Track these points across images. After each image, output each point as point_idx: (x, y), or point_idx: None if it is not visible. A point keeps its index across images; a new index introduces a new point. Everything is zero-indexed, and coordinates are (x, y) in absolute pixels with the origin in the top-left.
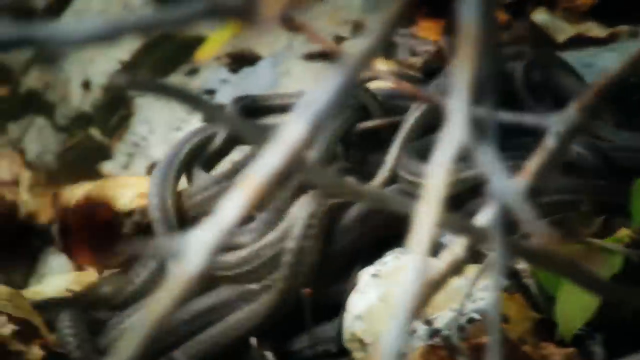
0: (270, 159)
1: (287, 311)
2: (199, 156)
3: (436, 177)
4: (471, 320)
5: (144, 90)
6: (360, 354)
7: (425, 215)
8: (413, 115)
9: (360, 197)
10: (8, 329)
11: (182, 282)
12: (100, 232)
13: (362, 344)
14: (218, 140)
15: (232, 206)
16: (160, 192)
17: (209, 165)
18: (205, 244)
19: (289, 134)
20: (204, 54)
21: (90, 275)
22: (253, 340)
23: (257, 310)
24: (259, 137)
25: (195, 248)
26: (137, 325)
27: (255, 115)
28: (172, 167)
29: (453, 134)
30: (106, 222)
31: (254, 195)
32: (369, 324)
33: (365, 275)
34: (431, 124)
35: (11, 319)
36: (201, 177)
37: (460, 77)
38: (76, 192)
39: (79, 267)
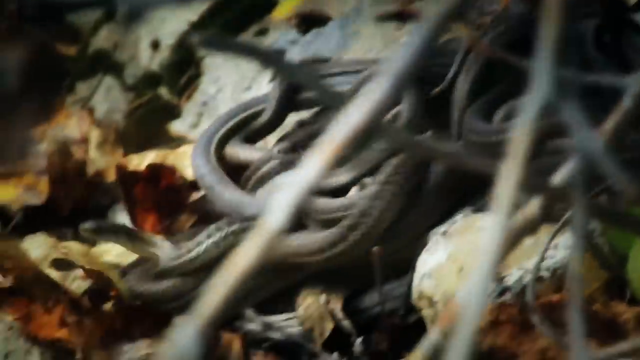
0: (351, 119)
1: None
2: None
3: (521, 135)
4: (540, 279)
5: (218, 48)
6: (428, 311)
7: (509, 172)
8: (469, 76)
9: (441, 157)
10: (83, 283)
11: (266, 239)
12: (165, 200)
13: (431, 302)
14: (265, 116)
15: (313, 165)
16: (205, 154)
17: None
18: (288, 201)
19: (371, 94)
20: (279, 13)
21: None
22: (322, 297)
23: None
24: (335, 98)
25: (278, 205)
26: (218, 281)
27: None
28: (216, 135)
29: (538, 92)
30: (171, 190)
31: (334, 155)
32: (437, 282)
33: (435, 234)
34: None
35: (86, 272)
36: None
37: (545, 37)
38: (143, 159)
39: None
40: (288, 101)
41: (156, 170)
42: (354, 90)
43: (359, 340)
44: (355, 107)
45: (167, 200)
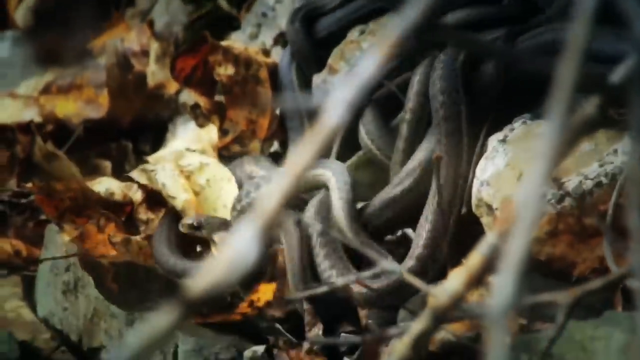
0: (405, 17)
1: None
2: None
3: (577, 31)
4: (599, 185)
5: None
6: (487, 218)
7: (566, 71)
8: None
9: (494, 53)
10: (138, 196)
11: (325, 135)
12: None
13: (490, 208)
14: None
15: (368, 63)
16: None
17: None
18: (345, 98)
19: None
20: None
21: (210, 131)
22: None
23: None
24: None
25: (335, 103)
26: (274, 184)
27: None
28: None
29: None
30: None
31: (389, 51)
32: (496, 189)
33: (493, 141)
34: None
35: (141, 187)
36: None
37: None
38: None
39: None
40: None
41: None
42: None
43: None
44: (409, 6)
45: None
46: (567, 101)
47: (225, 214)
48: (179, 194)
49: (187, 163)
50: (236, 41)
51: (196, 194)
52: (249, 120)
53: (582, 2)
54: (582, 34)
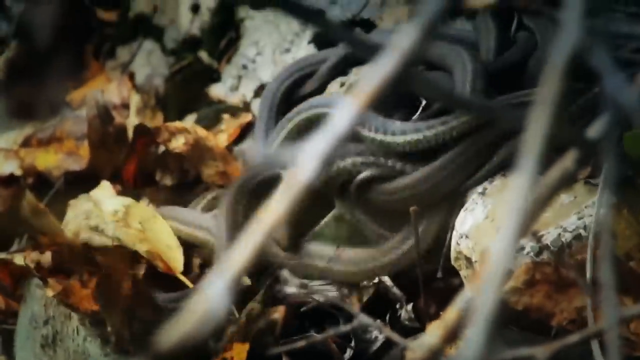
0: (381, 67)
1: None
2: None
3: (550, 83)
4: (578, 237)
5: (261, 5)
6: (467, 271)
7: (537, 121)
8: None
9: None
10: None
11: (296, 190)
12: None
13: (469, 261)
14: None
15: (343, 115)
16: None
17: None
18: (318, 153)
19: (401, 42)
20: None
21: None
22: None
23: None
24: (373, 52)
25: (308, 157)
26: (248, 234)
27: None
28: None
29: (567, 37)
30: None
31: (365, 103)
32: (475, 242)
33: (472, 194)
34: None
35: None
36: None
37: None
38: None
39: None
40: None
41: None
42: None
43: (409, 306)
44: (385, 57)
45: None
46: (537, 156)
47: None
48: (137, 245)
49: (113, 209)
50: (217, 93)
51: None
52: None
53: (554, 56)
54: (553, 88)
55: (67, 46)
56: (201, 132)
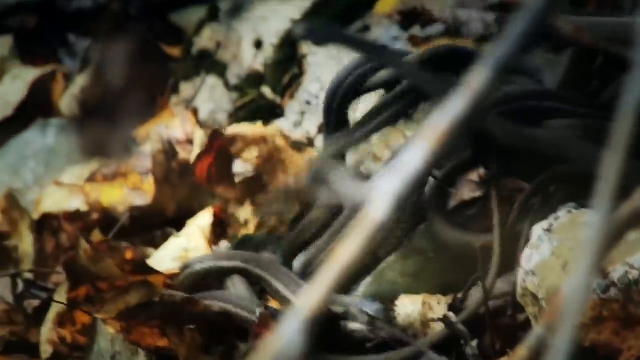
0: (454, 106)
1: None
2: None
3: (623, 120)
4: None
5: (324, 39)
6: (533, 308)
7: (611, 161)
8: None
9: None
10: None
11: (369, 230)
12: None
13: (535, 298)
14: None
15: (415, 155)
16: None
17: None
18: (390, 192)
19: (474, 81)
20: (382, 8)
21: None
22: (420, 298)
23: None
24: (442, 89)
25: (380, 196)
26: (322, 274)
27: None
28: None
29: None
30: None
31: (437, 144)
32: (542, 278)
33: (538, 230)
34: None
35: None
36: None
37: None
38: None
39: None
40: None
41: None
42: None
43: (474, 343)
44: (458, 96)
45: None
46: (611, 193)
47: None
48: None
49: None
50: (280, 128)
51: None
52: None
53: (627, 97)
54: (626, 126)
55: (140, 83)
56: (280, 141)
